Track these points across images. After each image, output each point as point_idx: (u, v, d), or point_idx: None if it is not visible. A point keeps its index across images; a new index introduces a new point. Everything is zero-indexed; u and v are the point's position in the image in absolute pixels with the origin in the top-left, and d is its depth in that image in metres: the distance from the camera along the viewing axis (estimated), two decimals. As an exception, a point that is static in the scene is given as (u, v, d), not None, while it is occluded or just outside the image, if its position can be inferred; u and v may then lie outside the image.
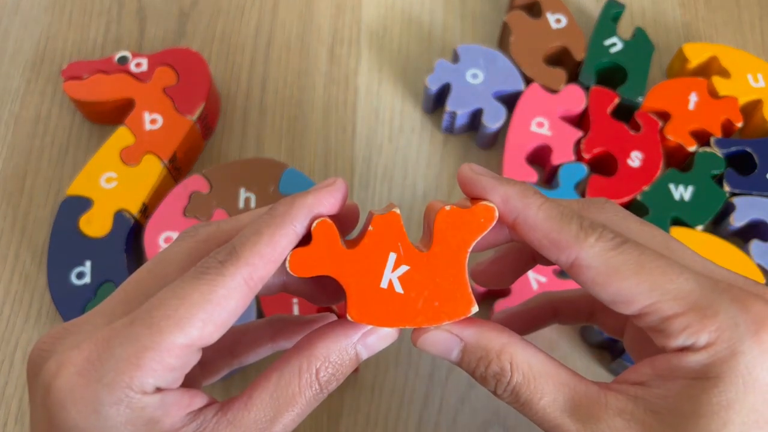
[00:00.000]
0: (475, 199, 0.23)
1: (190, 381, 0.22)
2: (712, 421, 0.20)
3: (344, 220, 0.25)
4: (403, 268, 0.23)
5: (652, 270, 0.21)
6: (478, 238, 0.22)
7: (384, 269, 0.22)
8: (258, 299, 0.38)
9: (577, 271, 0.21)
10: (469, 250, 0.23)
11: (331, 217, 0.23)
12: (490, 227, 0.22)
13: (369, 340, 0.23)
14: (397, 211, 0.22)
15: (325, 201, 0.22)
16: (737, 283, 0.22)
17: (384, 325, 0.23)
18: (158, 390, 0.20)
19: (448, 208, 0.22)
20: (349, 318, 0.22)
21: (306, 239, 0.22)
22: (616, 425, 0.21)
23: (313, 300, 0.26)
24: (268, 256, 0.21)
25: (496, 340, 0.23)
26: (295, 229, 0.22)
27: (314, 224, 0.22)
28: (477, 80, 0.44)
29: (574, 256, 0.21)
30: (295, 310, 0.37)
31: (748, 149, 0.42)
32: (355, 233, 0.25)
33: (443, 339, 0.23)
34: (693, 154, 0.42)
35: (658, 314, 0.20)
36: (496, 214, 0.22)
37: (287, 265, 0.22)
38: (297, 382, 0.22)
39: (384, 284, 0.22)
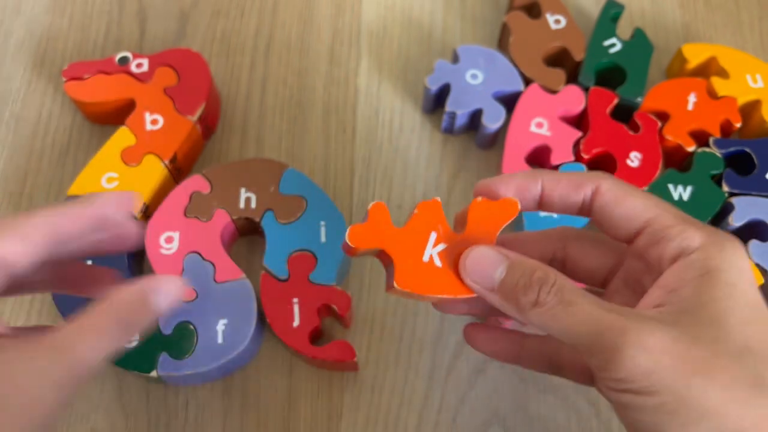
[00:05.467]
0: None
1: None
2: (731, 296, 0.24)
3: (117, 241, 0.30)
4: (442, 246, 0.27)
5: (652, 197, 0.27)
6: (506, 224, 0.27)
7: (426, 246, 0.26)
8: (259, 298, 0.38)
9: (596, 197, 0.27)
10: (498, 233, 0.27)
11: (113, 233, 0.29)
12: (515, 216, 0.27)
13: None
14: (438, 198, 0.27)
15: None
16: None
17: (424, 292, 0.26)
18: None
19: (479, 199, 0.27)
20: (396, 286, 0.26)
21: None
22: (652, 315, 0.24)
23: (48, 288, 0.32)
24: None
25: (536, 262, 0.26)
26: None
27: (370, 205, 0.27)
28: (477, 80, 0.44)
29: (596, 185, 0.27)
30: (296, 311, 0.37)
31: (747, 149, 0.42)
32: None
33: (489, 256, 0.26)
34: (692, 154, 0.43)
35: (660, 223, 0.26)
36: (519, 206, 0.27)
37: (347, 237, 0.26)
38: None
39: (426, 258, 0.26)
